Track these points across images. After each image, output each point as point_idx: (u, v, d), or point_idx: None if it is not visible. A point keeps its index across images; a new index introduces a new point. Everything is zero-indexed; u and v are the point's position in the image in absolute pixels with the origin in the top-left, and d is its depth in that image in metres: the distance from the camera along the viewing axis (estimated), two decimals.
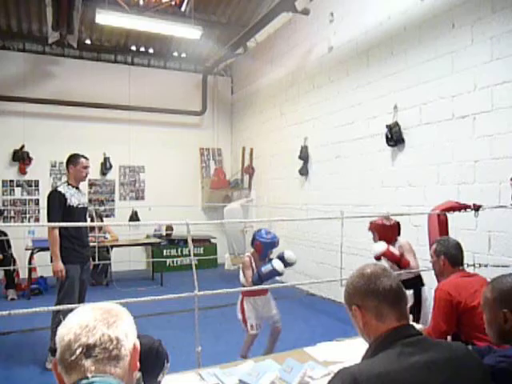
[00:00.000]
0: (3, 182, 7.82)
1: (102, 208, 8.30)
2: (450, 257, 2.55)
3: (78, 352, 0.92)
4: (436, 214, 3.39)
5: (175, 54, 9.10)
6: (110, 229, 7.32)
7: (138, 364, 1.04)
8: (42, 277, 6.71)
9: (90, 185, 8.42)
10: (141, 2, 6.44)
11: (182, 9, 6.64)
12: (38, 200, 8.04)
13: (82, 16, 6.61)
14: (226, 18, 7.81)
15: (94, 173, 8.44)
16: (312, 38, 6.65)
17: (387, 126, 4.92)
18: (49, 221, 3.85)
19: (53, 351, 3.64)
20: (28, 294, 6.22)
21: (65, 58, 8.28)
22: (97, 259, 6.77)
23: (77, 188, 3.95)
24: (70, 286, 3.71)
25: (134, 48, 8.75)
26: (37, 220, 7.94)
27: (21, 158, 7.79)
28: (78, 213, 3.85)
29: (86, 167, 3.95)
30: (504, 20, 3.76)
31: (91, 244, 6.41)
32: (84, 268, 3.93)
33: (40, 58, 8.12)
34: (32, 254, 6.43)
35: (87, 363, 0.92)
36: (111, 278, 7.07)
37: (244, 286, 3.58)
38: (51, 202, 3.78)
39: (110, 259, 7.15)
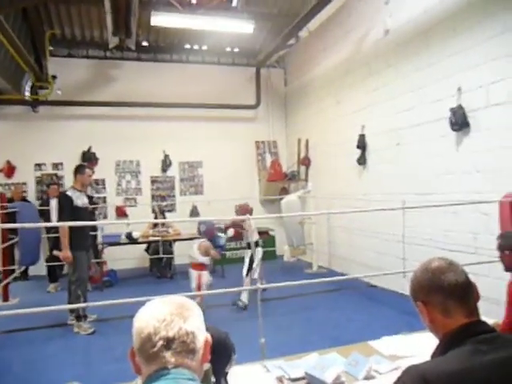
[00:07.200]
0: None
1: (164, 203, 8.62)
2: None
3: (159, 345, 0.98)
4: (508, 201, 3.18)
5: (228, 49, 9.19)
6: (171, 224, 7.60)
7: (209, 356, 1.08)
8: (112, 270, 7.13)
9: (152, 181, 8.78)
10: (193, 1, 6.55)
11: (234, 4, 6.67)
12: (105, 198, 8.52)
13: (138, 19, 6.86)
14: (277, 9, 7.75)
15: (155, 170, 8.82)
16: (367, 22, 6.43)
17: (451, 110, 4.67)
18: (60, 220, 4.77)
19: (78, 317, 4.70)
20: (101, 286, 6.62)
21: (124, 61, 8.65)
22: (161, 253, 7.10)
23: (80, 191, 4.86)
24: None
25: (188, 46, 8.95)
26: (105, 217, 8.40)
27: (88, 158, 8.28)
28: (83, 212, 4.79)
29: (90, 176, 5.02)
30: None
31: (155, 238, 6.95)
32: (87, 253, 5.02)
33: (102, 62, 8.55)
34: (102, 249, 6.84)
35: (167, 355, 0.98)
36: (175, 271, 7.35)
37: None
38: (62, 203, 4.75)
39: (173, 253, 7.43)
